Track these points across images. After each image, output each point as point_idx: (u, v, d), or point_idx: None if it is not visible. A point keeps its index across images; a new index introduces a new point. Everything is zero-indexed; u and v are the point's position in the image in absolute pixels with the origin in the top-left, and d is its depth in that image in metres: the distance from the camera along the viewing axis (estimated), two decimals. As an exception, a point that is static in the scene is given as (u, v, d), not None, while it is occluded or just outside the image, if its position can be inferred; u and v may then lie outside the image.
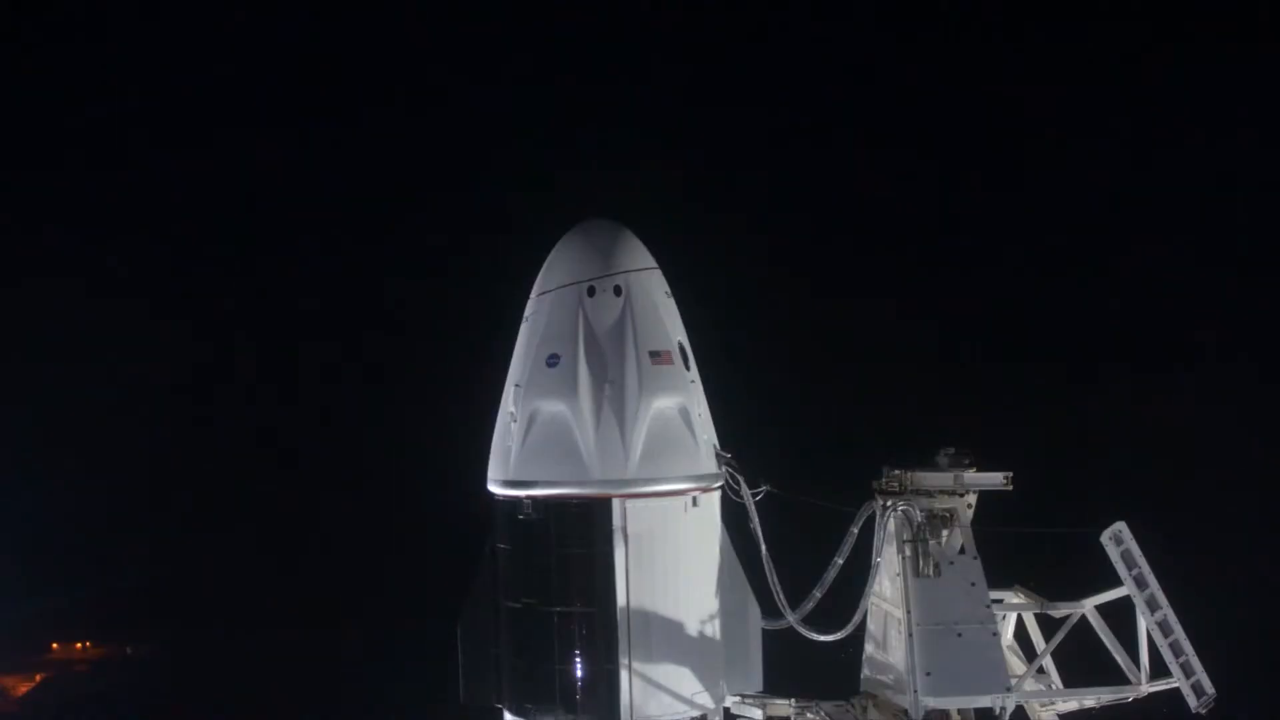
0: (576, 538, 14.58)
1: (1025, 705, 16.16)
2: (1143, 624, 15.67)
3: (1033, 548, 16.58)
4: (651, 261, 15.44)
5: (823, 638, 15.83)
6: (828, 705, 16.48)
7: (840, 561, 15.68)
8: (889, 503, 15.72)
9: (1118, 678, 16.13)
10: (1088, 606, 16.22)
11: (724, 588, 15.53)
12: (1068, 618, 16.23)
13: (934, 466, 16.16)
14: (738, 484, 15.38)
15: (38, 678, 62.77)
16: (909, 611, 15.35)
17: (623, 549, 14.62)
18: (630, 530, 14.64)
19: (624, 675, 14.61)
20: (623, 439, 14.60)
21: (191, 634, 61.35)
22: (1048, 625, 16.60)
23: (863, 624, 16.31)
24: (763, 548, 15.48)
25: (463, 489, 16.92)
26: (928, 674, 15.10)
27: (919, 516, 15.60)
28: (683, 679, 15.03)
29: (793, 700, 16.39)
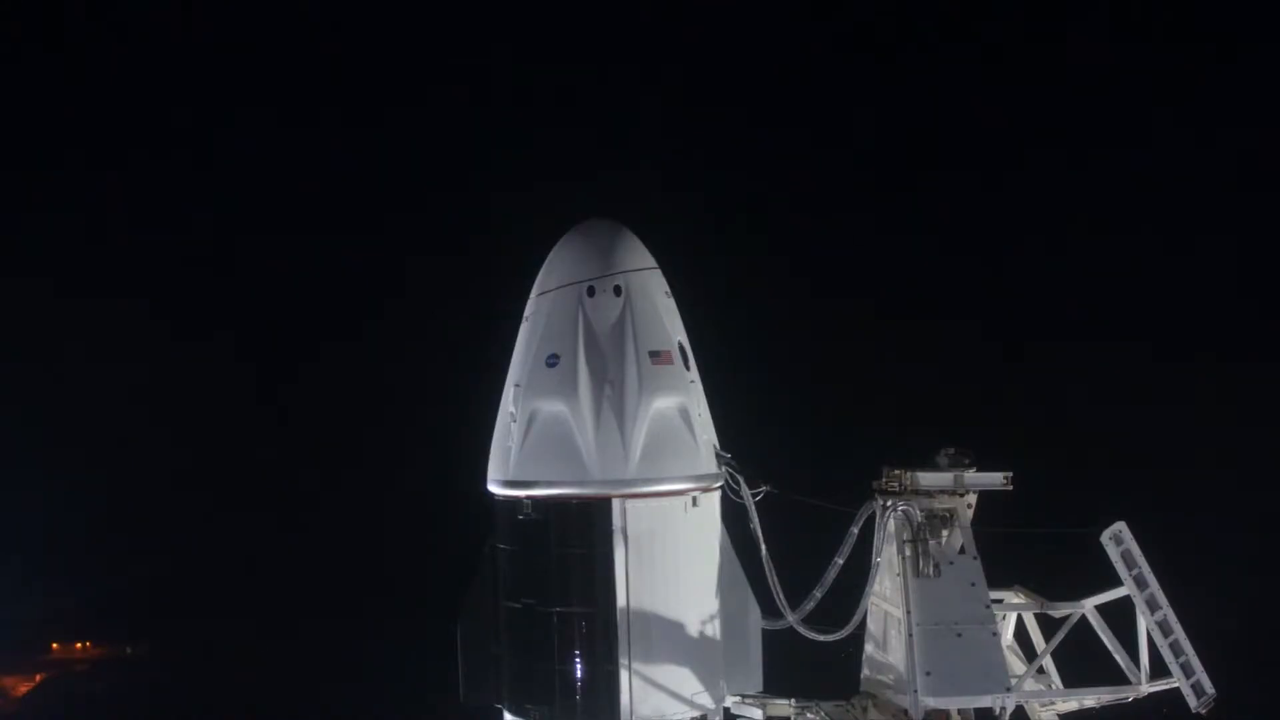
0: (576, 538, 14.57)
1: (1025, 705, 16.14)
2: (1143, 624, 15.64)
3: (1033, 548, 16.55)
4: (651, 261, 15.41)
5: (823, 638, 15.79)
6: (828, 705, 16.47)
7: (840, 561, 15.64)
8: (889, 503, 15.70)
9: (1118, 678, 16.10)
10: (1088, 606, 16.19)
11: (724, 588, 15.49)
12: (1068, 618, 16.20)
13: (934, 466, 16.11)
14: (738, 484, 15.35)
15: (38, 678, 62.82)
16: (909, 611, 15.33)
17: (622, 549, 14.59)
18: (630, 530, 14.61)
19: (624, 675, 14.58)
20: (623, 439, 14.57)
21: (192, 634, 61.38)
22: (1048, 625, 16.57)
23: (863, 624, 16.29)
24: (763, 548, 15.45)
25: (462, 489, 16.91)
26: (927, 674, 15.08)
27: (919, 516, 15.58)
28: (682, 679, 15.00)
29: (793, 700, 16.37)
